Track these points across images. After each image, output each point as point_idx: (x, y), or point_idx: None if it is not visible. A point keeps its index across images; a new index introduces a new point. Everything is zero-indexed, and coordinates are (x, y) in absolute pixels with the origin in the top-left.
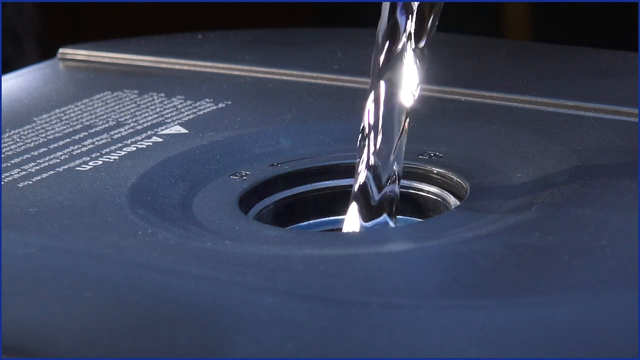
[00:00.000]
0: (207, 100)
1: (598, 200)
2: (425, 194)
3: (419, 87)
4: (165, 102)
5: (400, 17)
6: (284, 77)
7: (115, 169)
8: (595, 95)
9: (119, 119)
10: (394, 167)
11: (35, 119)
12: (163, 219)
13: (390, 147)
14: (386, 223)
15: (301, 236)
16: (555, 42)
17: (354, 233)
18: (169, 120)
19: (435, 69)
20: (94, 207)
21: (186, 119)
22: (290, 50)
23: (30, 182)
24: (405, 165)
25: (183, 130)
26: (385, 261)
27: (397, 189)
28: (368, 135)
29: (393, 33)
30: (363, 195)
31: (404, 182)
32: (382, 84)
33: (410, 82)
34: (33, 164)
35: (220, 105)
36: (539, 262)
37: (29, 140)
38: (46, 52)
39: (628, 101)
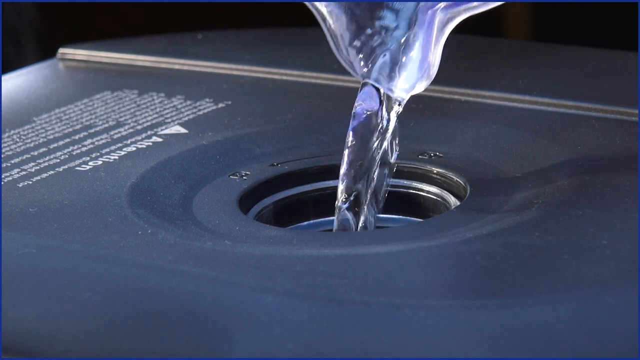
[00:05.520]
0: (207, 100)
1: (598, 200)
2: (425, 194)
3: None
4: (165, 102)
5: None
6: (284, 77)
7: (115, 169)
8: (595, 95)
9: (119, 119)
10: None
11: (35, 119)
12: (163, 219)
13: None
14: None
15: (301, 236)
16: (555, 42)
17: (353, 233)
18: (169, 120)
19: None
20: (93, 207)
21: (186, 119)
22: (290, 50)
23: (30, 182)
24: (406, 165)
25: (183, 130)
26: (385, 261)
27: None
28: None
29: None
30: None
31: (404, 182)
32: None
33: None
34: (33, 164)
35: (220, 105)
36: (539, 262)
37: (28, 140)
38: (46, 52)
39: (628, 101)
